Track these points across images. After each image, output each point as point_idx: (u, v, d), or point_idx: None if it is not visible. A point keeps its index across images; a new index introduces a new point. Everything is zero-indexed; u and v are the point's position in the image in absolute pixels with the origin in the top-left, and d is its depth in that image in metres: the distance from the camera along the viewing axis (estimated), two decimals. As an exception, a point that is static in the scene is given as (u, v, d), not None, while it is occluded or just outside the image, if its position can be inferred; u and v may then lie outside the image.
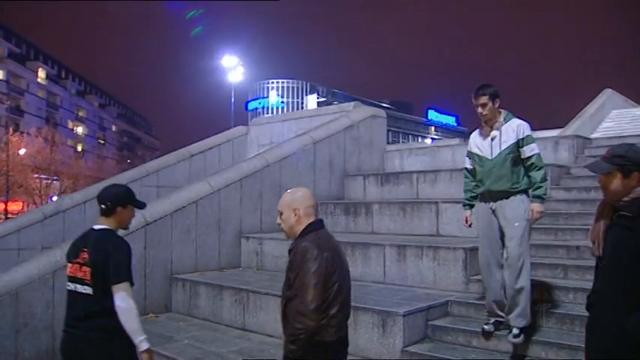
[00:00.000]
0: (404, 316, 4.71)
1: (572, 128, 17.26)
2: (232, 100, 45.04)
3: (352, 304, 4.92)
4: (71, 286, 3.18)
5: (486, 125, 4.62)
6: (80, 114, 72.10)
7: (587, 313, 2.70)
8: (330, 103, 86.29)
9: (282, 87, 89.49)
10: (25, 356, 5.64)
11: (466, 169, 4.84)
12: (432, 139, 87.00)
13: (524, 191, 4.45)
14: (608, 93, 21.60)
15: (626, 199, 2.59)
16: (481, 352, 4.52)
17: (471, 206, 4.81)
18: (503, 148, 4.45)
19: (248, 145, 12.29)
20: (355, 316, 4.97)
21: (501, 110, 4.59)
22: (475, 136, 4.75)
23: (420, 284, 5.82)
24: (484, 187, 4.58)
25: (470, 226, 4.84)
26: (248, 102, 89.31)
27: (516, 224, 4.37)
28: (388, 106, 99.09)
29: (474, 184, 4.75)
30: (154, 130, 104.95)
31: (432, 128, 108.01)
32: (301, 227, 2.93)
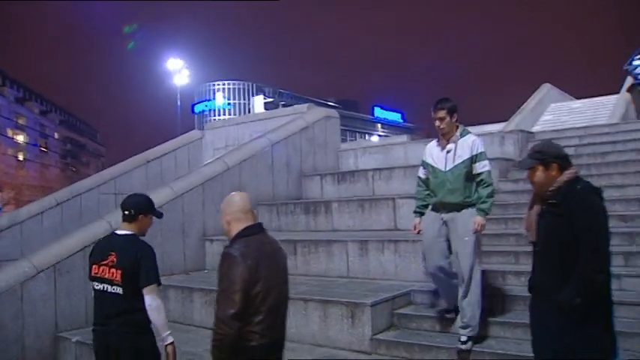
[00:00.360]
0: (371, 306, 5.00)
1: (515, 122, 18.12)
2: (178, 103, 44.74)
3: (321, 298, 5.28)
4: (100, 286, 3.45)
5: (443, 138, 4.73)
6: (20, 122, 69.62)
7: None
8: (277, 104, 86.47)
9: (229, 89, 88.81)
10: (-5, 368, 5.67)
11: (419, 177, 4.96)
12: (379, 135, 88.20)
13: (474, 204, 4.59)
14: (546, 87, 22.69)
15: (551, 188, 2.98)
16: (445, 336, 4.86)
17: (421, 214, 4.91)
18: (457, 162, 4.58)
19: (203, 149, 12.36)
20: (325, 309, 5.26)
21: (458, 125, 4.72)
22: (431, 147, 4.87)
23: (382, 276, 6.13)
24: (437, 199, 4.70)
25: (418, 232, 4.91)
26: (194, 104, 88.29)
27: (466, 239, 4.52)
28: (335, 104, 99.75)
29: (426, 192, 4.87)
30: (99, 137, 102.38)
31: (379, 125, 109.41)
32: (233, 233, 2.95)
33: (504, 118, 19.78)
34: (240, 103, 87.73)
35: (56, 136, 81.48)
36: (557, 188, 2.97)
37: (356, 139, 71.21)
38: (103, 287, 3.42)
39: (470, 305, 4.50)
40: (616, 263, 5.20)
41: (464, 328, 4.50)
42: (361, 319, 5.02)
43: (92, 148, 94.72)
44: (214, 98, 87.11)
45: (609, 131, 9.24)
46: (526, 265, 5.55)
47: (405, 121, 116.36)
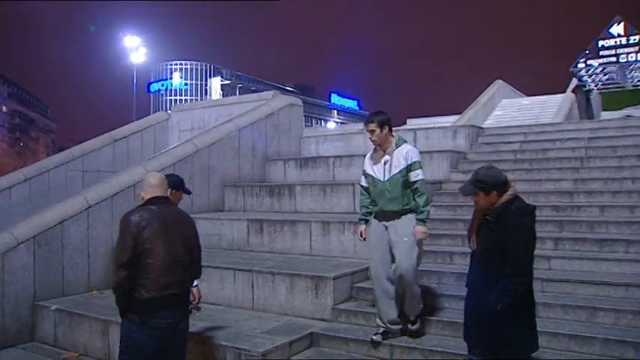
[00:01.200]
0: (333, 279, 5.59)
1: (467, 115, 19.03)
2: (134, 81, 44.22)
3: (288, 272, 5.82)
4: None
5: (380, 149, 4.94)
6: (-35, 93, 67.34)
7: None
8: (235, 86, 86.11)
9: (186, 69, 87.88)
10: (-25, 333, 5.99)
11: (362, 186, 5.14)
12: (336, 122, 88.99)
13: (413, 210, 4.82)
14: (498, 84, 23.74)
15: (490, 208, 3.49)
16: (397, 306, 5.48)
17: (366, 221, 5.10)
18: (394, 172, 4.79)
19: (169, 130, 12.68)
20: (292, 282, 5.82)
21: (394, 135, 4.94)
22: (369, 157, 5.08)
23: (342, 254, 6.72)
24: (378, 208, 4.92)
25: (364, 239, 5.13)
26: (150, 83, 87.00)
27: (405, 239, 4.75)
28: (292, 89, 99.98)
29: (369, 200, 5.05)
30: (50, 112, 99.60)
31: (335, 112, 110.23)
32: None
33: (461, 110, 20.72)
34: (197, 84, 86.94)
35: (4, 109, 79.05)
36: (495, 208, 3.46)
37: (312, 125, 71.88)
38: None
39: (412, 299, 4.82)
40: (547, 247, 6.02)
41: (411, 313, 4.90)
42: (324, 290, 5.60)
43: (42, 123, 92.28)
44: (171, 78, 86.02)
45: (550, 130, 10.07)
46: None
47: (360, 108, 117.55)
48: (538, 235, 6.08)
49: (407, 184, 4.80)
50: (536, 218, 6.51)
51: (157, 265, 3.53)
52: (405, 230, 4.77)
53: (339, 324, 5.41)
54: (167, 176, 4.32)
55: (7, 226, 7.93)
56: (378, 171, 4.91)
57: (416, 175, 4.78)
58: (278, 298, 5.87)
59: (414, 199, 4.83)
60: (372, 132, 4.87)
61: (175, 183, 4.51)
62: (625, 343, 4.23)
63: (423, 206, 4.77)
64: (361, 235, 5.16)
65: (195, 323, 5.46)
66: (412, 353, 4.68)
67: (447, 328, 4.94)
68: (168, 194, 4.12)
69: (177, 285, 3.63)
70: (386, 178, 4.83)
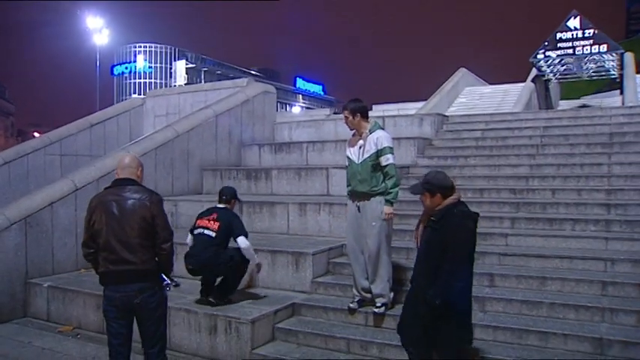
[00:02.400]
0: (312, 255, 6.11)
1: (432, 102, 19.72)
2: (97, 63, 43.59)
3: (269, 249, 6.31)
4: (200, 230, 5.57)
5: (357, 133, 5.37)
6: None
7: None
8: (200, 70, 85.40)
9: (150, 51, 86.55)
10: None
11: (346, 167, 5.51)
12: (301, 107, 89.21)
13: (382, 193, 5.15)
14: (462, 72, 24.51)
15: (435, 209, 3.77)
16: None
17: None
18: (365, 156, 5.16)
19: (144, 115, 12.94)
20: (273, 258, 6.33)
21: (369, 121, 5.35)
22: (349, 140, 5.50)
23: (318, 233, 7.24)
24: (350, 188, 5.34)
25: None
26: (114, 66, 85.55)
27: (373, 224, 5.13)
28: (257, 73, 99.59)
29: None
30: (8, 94, 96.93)
31: (300, 96, 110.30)
32: None
33: (426, 96, 21.41)
34: (161, 67, 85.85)
35: (-41, 90, 76.67)
36: (439, 210, 3.72)
37: (277, 110, 72.06)
38: (202, 232, 5.53)
39: (380, 278, 5.19)
40: (505, 226, 6.68)
41: (377, 297, 5.24)
42: (304, 265, 6.11)
43: (1, 105, 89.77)
44: (135, 61, 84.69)
45: (510, 119, 10.77)
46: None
47: (325, 93, 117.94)
48: (497, 215, 6.86)
49: (377, 168, 5.13)
50: (496, 200, 7.25)
51: (102, 244, 3.82)
52: (374, 215, 5.13)
53: (318, 295, 5.94)
54: (227, 187, 6.02)
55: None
56: (354, 153, 5.29)
57: (386, 160, 5.11)
58: (261, 272, 6.35)
59: (383, 182, 5.16)
60: (346, 118, 5.34)
61: (234, 194, 5.93)
62: (568, 306, 4.88)
63: (391, 188, 5.12)
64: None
65: (186, 296, 5.96)
66: (385, 319, 5.22)
67: (415, 297, 5.51)
68: (230, 202, 5.84)
69: (126, 263, 3.78)
70: (359, 161, 5.20)
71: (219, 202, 5.82)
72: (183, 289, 6.27)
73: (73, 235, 7.35)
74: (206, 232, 5.52)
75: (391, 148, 5.20)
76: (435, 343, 3.76)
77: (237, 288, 5.82)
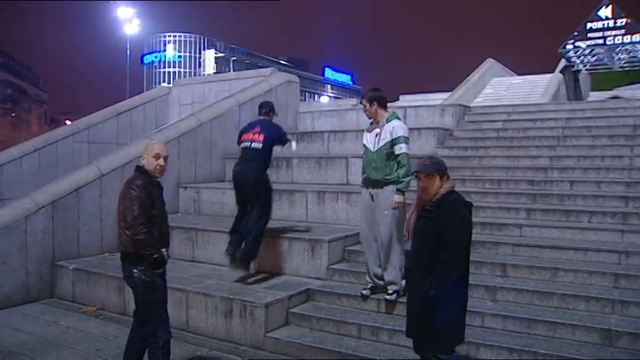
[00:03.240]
0: (328, 242, 6.22)
1: (458, 93, 19.58)
2: (128, 52, 44.20)
3: (287, 236, 6.43)
4: (246, 144, 6.09)
5: (374, 122, 5.45)
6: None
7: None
8: (229, 59, 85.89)
9: (180, 41, 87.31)
10: (3, 290, 6.60)
11: (363, 154, 5.59)
12: (329, 97, 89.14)
13: (395, 182, 5.20)
14: (489, 62, 24.22)
15: (432, 197, 3.62)
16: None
17: None
18: (381, 144, 5.24)
19: (170, 104, 13.18)
20: (290, 245, 6.45)
21: (387, 110, 5.44)
22: (366, 129, 5.57)
23: (336, 221, 7.34)
24: (365, 175, 5.41)
25: None
26: (144, 55, 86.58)
27: (386, 212, 5.19)
28: (286, 63, 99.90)
29: None
30: (41, 83, 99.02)
31: (329, 86, 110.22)
32: None
33: (453, 86, 21.26)
34: (190, 56, 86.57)
35: (-4, 79, 78.61)
36: (435, 199, 3.61)
37: (306, 100, 72.11)
38: (250, 144, 6.05)
39: (392, 266, 5.27)
40: (520, 217, 6.71)
41: (389, 284, 5.33)
42: (320, 252, 6.23)
43: (34, 93, 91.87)
44: (164, 50, 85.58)
45: (533, 110, 10.68)
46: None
47: (354, 83, 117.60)
48: (514, 206, 6.88)
49: (391, 157, 5.21)
50: (513, 191, 7.26)
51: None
52: (386, 204, 5.20)
53: (332, 282, 6.05)
54: (264, 102, 6.68)
55: (21, 193, 8.57)
56: (370, 141, 5.39)
57: (399, 149, 5.17)
58: (277, 259, 6.49)
59: (397, 171, 5.23)
60: (363, 107, 5.45)
61: (272, 107, 6.62)
62: (579, 297, 4.90)
63: (402, 177, 5.15)
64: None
65: (204, 281, 6.15)
66: (396, 306, 5.31)
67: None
68: (269, 115, 6.42)
69: (120, 245, 4.13)
70: (375, 149, 5.29)
71: (260, 115, 6.42)
72: (201, 273, 6.52)
73: (97, 219, 7.60)
74: (252, 144, 6.05)
75: (406, 137, 5.26)
76: (430, 337, 3.66)
77: (264, 233, 6.15)
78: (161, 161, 4.16)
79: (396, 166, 5.23)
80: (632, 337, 4.40)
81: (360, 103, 5.57)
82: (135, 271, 4.05)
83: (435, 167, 3.67)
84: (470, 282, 5.28)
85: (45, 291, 7.02)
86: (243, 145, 6.16)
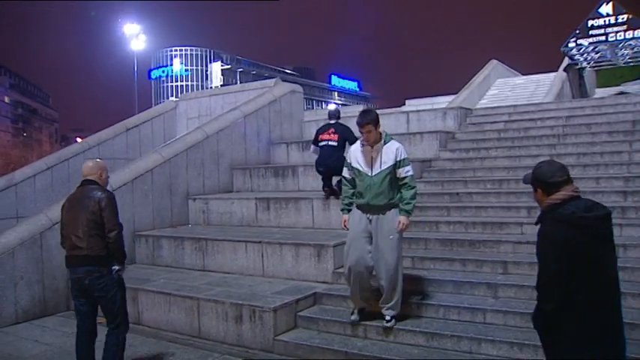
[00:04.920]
0: (334, 247, 6.38)
1: (462, 95, 19.70)
2: (135, 68, 44.76)
3: (293, 242, 6.61)
4: (324, 143, 7.48)
5: (367, 144, 5.09)
6: (-31, 85, 67.89)
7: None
8: (235, 71, 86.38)
9: (186, 54, 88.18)
10: (22, 304, 6.83)
11: (345, 177, 5.32)
12: (336, 104, 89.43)
13: (397, 205, 5.04)
14: (493, 64, 24.33)
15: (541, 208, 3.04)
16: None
17: (348, 211, 5.31)
18: (383, 167, 4.96)
19: (177, 118, 13.45)
20: (297, 251, 6.63)
21: (382, 131, 5.10)
22: (356, 150, 5.18)
23: (341, 227, 7.49)
24: (364, 201, 5.05)
25: (348, 229, 5.30)
26: (151, 70, 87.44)
27: (391, 237, 4.97)
28: (292, 72, 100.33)
29: (352, 191, 5.24)
30: (51, 101, 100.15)
31: (335, 93, 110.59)
32: None
33: (458, 89, 21.38)
34: (197, 70, 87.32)
35: (6, 100, 79.64)
36: (541, 211, 3.05)
37: (313, 108, 72.44)
38: (327, 143, 7.42)
39: (397, 294, 5.07)
40: (522, 215, 6.85)
41: (388, 309, 5.13)
42: (325, 257, 6.39)
43: (44, 113, 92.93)
44: (171, 64, 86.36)
45: (533, 110, 10.80)
46: (456, 217, 7.09)
47: (361, 89, 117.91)
48: (515, 204, 7.04)
49: (394, 180, 5.00)
50: (514, 190, 7.40)
51: (62, 233, 4.72)
52: (391, 227, 4.98)
53: (339, 285, 6.20)
54: (331, 110, 8.14)
55: (35, 210, 8.82)
56: (365, 165, 5.05)
57: (406, 172, 4.99)
58: (285, 265, 6.67)
59: (399, 193, 5.04)
60: (368, 132, 4.99)
61: (338, 112, 8.10)
62: (577, 291, 5.02)
63: (410, 199, 5.00)
64: (345, 225, 5.35)
65: (214, 288, 6.33)
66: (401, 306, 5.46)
67: (430, 285, 5.72)
68: (339, 117, 7.87)
69: (75, 249, 4.48)
70: (374, 173, 4.98)
71: (330, 119, 7.79)
72: (211, 281, 6.71)
73: (110, 233, 7.79)
74: (330, 142, 7.40)
75: (409, 159, 5.12)
76: None
77: None
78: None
79: (396, 189, 5.06)
80: (629, 327, 4.44)
81: (361, 131, 5.04)
82: (116, 268, 4.49)
83: (530, 177, 3.14)
84: (472, 280, 5.55)
85: (61, 304, 7.22)
86: (321, 144, 7.54)
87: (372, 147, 5.06)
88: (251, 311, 5.55)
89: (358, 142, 5.25)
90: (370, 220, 5.07)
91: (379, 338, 5.19)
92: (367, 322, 5.30)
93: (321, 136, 7.57)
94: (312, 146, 7.77)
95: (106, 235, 4.44)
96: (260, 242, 6.92)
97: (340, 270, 6.37)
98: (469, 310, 5.15)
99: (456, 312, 5.19)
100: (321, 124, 12.03)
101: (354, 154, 5.19)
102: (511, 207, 6.99)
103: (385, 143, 5.05)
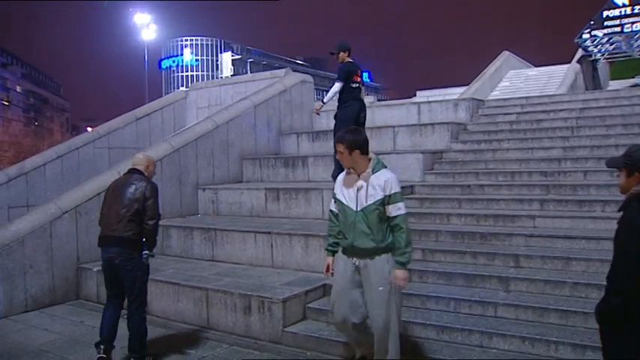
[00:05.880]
0: (344, 238, 6.33)
1: (474, 87, 19.57)
2: (146, 58, 44.85)
3: (303, 233, 6.56)
4: (357, 85, 7.67)
5: (353, 172, 4.15)
6: (-20, 74, 68.32)
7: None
8: (246, 61, 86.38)
9: (197, 44, 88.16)
10: (32, 292, 6.85)
11: (331, 211, 4.39)
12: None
13: (390, 249, 4.05)
14: (505, 55, 24.13)
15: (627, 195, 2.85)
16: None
17: (334, 252, 4.36)
18: (369, 202, 3.98)
19: (187, 107, 13.41)
20: (306, 242, 6.59)
21: (371, 157, 4.14)
22: (342, 179, 4.26)
23: (324, 274, 7.41)
24: (347, 242, 4.12)
25: (332, 274, 4.38)
26: (161, 60, 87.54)
27: (380, 289, 4.00)
28: (303, 63, 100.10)
29: (338, 229, 4.27)
30: (62, 91, 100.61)
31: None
32: None
33: (470, 80, 21.26)
34: (207, 60, 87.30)
35: (18, 89, 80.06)
36: (626, 197, 2.85)
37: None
38: (358, 86, 7.65)
39: (388, 354, 4.13)
40: (534, 207, 6.74)
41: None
42: (335, 248, 6.35)
43: (56, 102, 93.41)
44: (182, 54, 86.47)
45: (546, 102, 10.68)
46: (466, 210, 7.02)
47: (371, 80, 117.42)
48: (527, 197, 6.97)
49: (383, 218, 4.01)
50: (527, 183, 7.34)
51: (102, 212, 5.11)
52: (380, 278, 4.02)
53: (348, 277, 6.16)
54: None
55: (45, 199, 8.84)
56: (349, 198, 4.10)
57: (397, 209, 3.98)
58: (295, 256, 6.63)
59: (390, 235, 4.06)
60: (340, 154, 4.14)
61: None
62: (591, 286, 4.95)
63: (405, 247, 3.99)
64: (327, 270, 4.42)
65: (223, 279, 6.31)
66: (411, 299, 5.41)
67: (441, 277, 5.67)
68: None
69: (112, 230, 4.84)
70: (358, 208, 4.02)
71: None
72: (220, 271, 6.69)
73: (120, 222, 7.79)
74: (361, 86, 7.79)
75: (402, 194, 4.10)
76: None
77: None
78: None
79: (387, 229, 4.05)
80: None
81: (335, 148, 4.37)
82: (145, 254, 4.87)
83: (624, 160, 2.91)
84: (483, 273, 5.50)
85: (71, 293, 7.25)
86: (354, 85, 7.62)
87: (359, 176, 4.09)
88: (260, 302, 5.52)
89: (344, 172, 4.32)
90: (357, 267, 4.10)
91: (388, 331, 5.14)
92: (377, 315, 5.26)
93: (354, 77, 7.64)
94: (339, 83, 7.65)
95: (145, 222, 4.81)
96: (269, 233, 6.88)
97: (350, 262, 6.32)
98: (480, 304, 5.09)
99: (467, 305, 5.13)
100: (331, 114, 12.10)
101: (339, 182, 4.26)
102: (523, 200, 6.90)
103: (374, 172, 4.06)
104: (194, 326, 5.97)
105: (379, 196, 3.97)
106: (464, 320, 4.96)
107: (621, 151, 7.65)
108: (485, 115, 10.29)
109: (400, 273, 4.00)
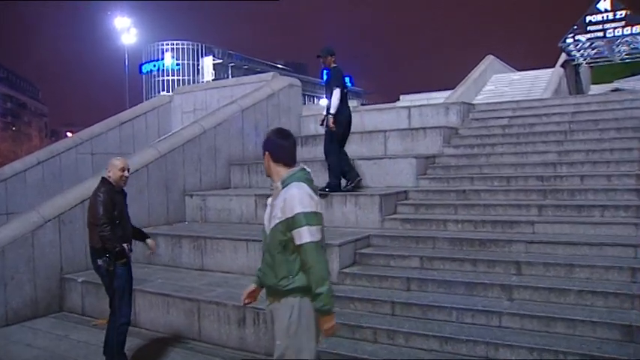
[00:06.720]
0: (339, 246, 6.13)
1: (459, 91, 19.54)
2: (126, 62, 44.26)
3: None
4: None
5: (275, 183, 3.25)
6: (-43, 78, 67.01)
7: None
8: (227, 65, 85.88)
9: (177, 49, 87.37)
10: (12, 305, 6.58)
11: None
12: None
13: (301, 290, 3.04)
14: (489, 59, 24.20)
15: None
16: (395, 269, 6.05)
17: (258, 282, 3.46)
18: (273, 223, 3.10)
19: (172, 112, 13.13)
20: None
21: (288, 167, 3.21)
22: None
23: (345, 225, 7.27)
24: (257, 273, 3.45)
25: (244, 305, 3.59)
26: (142, 64, 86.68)
27: (277, 342, 3.16)
28: (283, 67, 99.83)
29: None
30: (41, 95, 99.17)
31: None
32: None
33: (454, 84, 21.27)
34: (189, 64, 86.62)
35: (-5, 93, 78.67)
36: None
37: (305, 103, 72.09)
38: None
39: None
40: (532, 213, 6.60)
41: None
42: (330, 257, 5.99)
43: (34, 107, 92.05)
44: (163, 58, 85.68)
45: (537, 105, 10.58)
46: (464, 215, 6.87)
47: (353, 85, 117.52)
48: (524, 202, 6.82)
49: (289, 247, 3.03)
50: (523, 188, 7.20)
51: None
52: (278, 327, 3.15)
53: (344, 286, 5.96)
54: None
55: (26, 206, 8.52)
56: (265, 216, 3.27)
57: (299, 237, 2.97)
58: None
59: (299, 272, 3.04)
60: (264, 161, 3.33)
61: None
62: (596, 294, 4.82)
63: (317, 287, 2.97)
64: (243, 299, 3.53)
65: (215, 289, 6.09)
66: (412, 309, 5.24)
67: (441, 286, 5.50)
68: None
69: (90, 241, 5.01)
70: (267, 231, 3.19)
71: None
72: (211, 281, 6.46)
73: (104, 231, 7.52)
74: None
75: (309, 216, 3.00)
76: None
77: None
78: (126, 173, 5.26)
79: (298, 262, 3.03)
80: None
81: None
82: (100, 261, 4.84)
83: None
84: (484, 281, 5.34)
85: (54, 304, 6.97)
86: (345, 90, 7.64)
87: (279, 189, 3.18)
88: (255, 314, 5.31)
89: None
90: (271, 311, 3.25)
91: (389, 342, 4.96)
92: (377, 326, 5.07)
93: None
94: (339, 89, 7.68)
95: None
96: (262, 241, 6.64)
97: (346, 270, 6.14)
98: (484, 313, 4.92)
99: (470, 315, 4.96)
100: (318, 118, 11.91)
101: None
102: (521, 205, 6.77)
103: (283, 186, 3.12)
104: (185, 339, 5.74)
105: (278, 217, 3.04)
106: (467, 330, 4.79)
107: (616, 155, 7.65)
108: (477, 120, 10.19)
109: (323, 321, 3.06)
